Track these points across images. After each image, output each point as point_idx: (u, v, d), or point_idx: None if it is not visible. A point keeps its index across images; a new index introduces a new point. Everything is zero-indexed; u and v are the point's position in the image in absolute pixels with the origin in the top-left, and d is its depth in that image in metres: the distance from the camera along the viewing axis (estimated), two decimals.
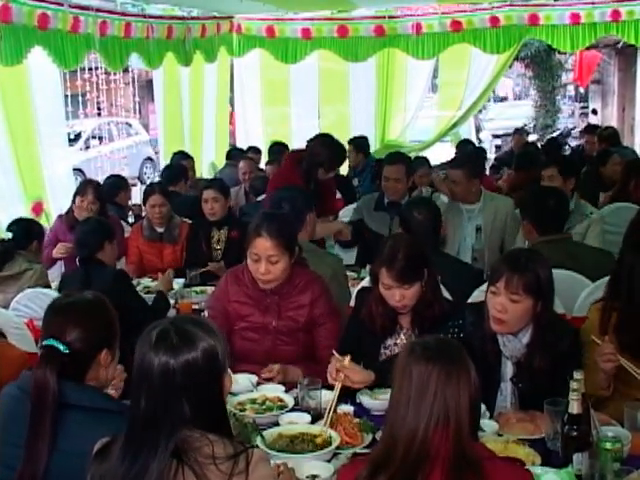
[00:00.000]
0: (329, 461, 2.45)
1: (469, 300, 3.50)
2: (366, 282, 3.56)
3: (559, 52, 15.33)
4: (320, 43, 9.65)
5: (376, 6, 9.57)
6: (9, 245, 4.50)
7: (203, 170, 9.29)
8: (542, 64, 17.57)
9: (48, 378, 2.09)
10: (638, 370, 2.70)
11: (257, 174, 7.56)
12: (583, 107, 21.30)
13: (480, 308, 2.85)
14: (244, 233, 3.41)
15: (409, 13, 9.67)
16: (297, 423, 2.71)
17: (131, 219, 6.65)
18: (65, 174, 7.51)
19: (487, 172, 8.31)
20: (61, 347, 2.15)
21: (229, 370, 1.95)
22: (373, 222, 5.17)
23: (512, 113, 20.24)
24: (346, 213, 5.90)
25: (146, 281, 5.03)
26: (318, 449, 2.47)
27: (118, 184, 6.53)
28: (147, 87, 12.23)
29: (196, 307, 4.42)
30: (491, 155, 12.83)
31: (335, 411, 2.67)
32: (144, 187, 6.27)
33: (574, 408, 2.30)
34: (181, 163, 7.33)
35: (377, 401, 2.84)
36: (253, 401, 2.91)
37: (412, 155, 8.61)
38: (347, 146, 7.91)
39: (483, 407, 2.62)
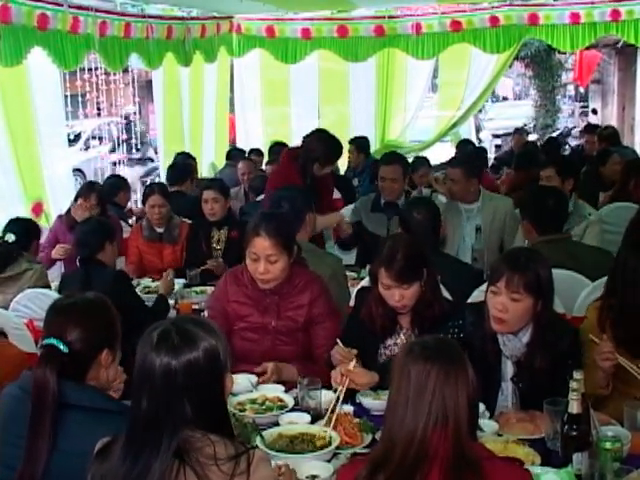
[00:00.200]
0: (329, 461, 2.45)
1: (469, 300, 3.50)
2: (366, 282, 3.56)
3: (559, 52, 15.33)
4: (320, 43, 9.65)
5: (376, 6, 9.58)
6: (12, 247, 4.49)
7: (203, 170, 9.29)
8: (542, 64, 17.57)
9: (48, 378, 2.09)
10: (636, 368, 2.70)
11: (257, 174, 7.56)
12: (583, 107, 21.30)
13: (480, 308, 2.85)
14: (244, 233, 3.42)
15: (409, 13, 9.67)
16: (297, 423, 2.71)
17: (131, 221, 6.65)
18: (65, 174, 7.52)
19: (488, 172, 8.31)
20: (61, 347, 2.15)
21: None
22: (370, 223, 5.18)
23: (512, 113, 20.22)
24: (345, 213, 5.89)
25: (146, 281, 5.03)
26: (318, 449, 2.47)
27: (118, 184, 6.55)
28: (147, 87, 12.22)
29: (196, 307, 4.43)
30: (491, 155, 12.82)
31: (334, 411, 2.67)
32: (144, 187, 6.28)
33: (574, 408, 2.30)
34: (187, 162, 7.32)
35: (377, 401, 2.83)
36: (253, 401, 2.91)
37: (412, 155, 8.64)
38: (347, 146, 7.94)
39: (483, 407, 2.63)
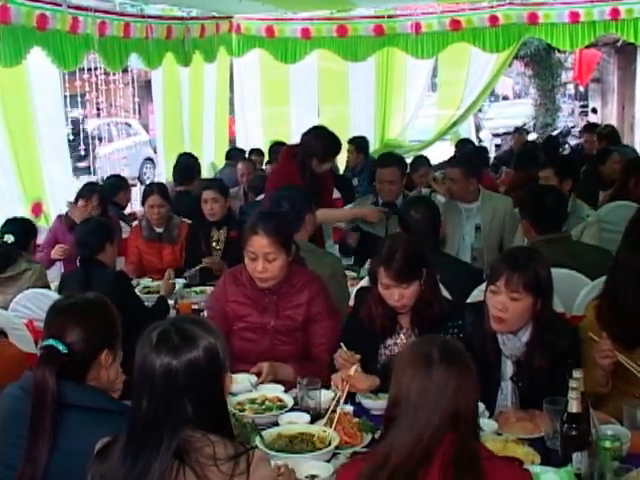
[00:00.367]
0: (328, 461, 2.45)
1: (468, 300, 3.50)
2: (365, 282, 3.56)
3: (559, 51, 15.33)
4: (319, 43, 9.66)
5: (375, 6, 9.58)
6: (11, 247, 4.49)
7: (203, 170, 9.28)
8: (542, 63, 17.55)
9: (47, 378, 2.09)
10: (635, 366, 2.70)
11: (256, 174, 7.56)
12: (583, 106, 21.28)
13: (480, 308, 2.86)
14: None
15: (408, 12, 9.67)
16: (296, 423, 2.71)
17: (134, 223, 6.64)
18: (65, 174, 7.52)
19: (488, 171, 8.31)
20: (61, 347, 2.15)
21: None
22: (369, 224, 5.15)
23: (512, 112, 20.21)
24: None
25: (146, 281, 5.03)
26: (317, 449, 2.47)
27: (118, 184, 6.55)
28: (146, 87, 12.22)
29: (196, 307, 4.42)
30: (491, 154, 12.82)
31: (334, 412, 2.67)
32: (143, 187, 6.27)
33: (573, 407, 2.30)
34: (192, 161, 7.30)
35: (377, 401, 2.84)
36: (252, 401, 2.91)
37: (412, 154, 8.64)
38: (347, 146, 7.94)
39: (482, 406, 2.63)
